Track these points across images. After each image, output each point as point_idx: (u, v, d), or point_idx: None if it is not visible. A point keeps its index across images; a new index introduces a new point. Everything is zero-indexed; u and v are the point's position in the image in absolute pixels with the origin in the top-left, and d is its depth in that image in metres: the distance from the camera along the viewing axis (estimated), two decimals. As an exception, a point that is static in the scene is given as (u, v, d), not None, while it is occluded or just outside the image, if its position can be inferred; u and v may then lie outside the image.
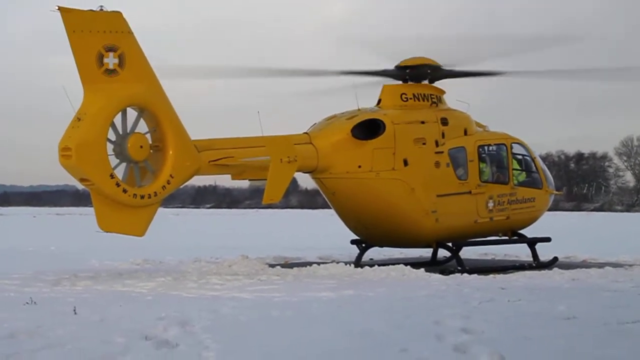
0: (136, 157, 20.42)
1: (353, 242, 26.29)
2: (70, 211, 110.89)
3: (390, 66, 25.74)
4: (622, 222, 71.11)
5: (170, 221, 68.90)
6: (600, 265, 25.09)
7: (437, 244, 25.36)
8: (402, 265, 23.14)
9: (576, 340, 11.79)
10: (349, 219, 25.22)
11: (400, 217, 24.31)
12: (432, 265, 25.96)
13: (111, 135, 20.12)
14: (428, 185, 24.51)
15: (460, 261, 24.55)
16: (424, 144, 24.64)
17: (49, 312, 14.49)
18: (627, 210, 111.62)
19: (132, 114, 20.56)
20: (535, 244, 26.50)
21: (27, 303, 15.60)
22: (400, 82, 25.94)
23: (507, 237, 26.75)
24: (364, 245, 25.71)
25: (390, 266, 23.17)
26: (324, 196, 25.22)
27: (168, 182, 20.85)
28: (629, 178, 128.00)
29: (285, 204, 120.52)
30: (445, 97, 26.21)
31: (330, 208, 25.73)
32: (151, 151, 20.76)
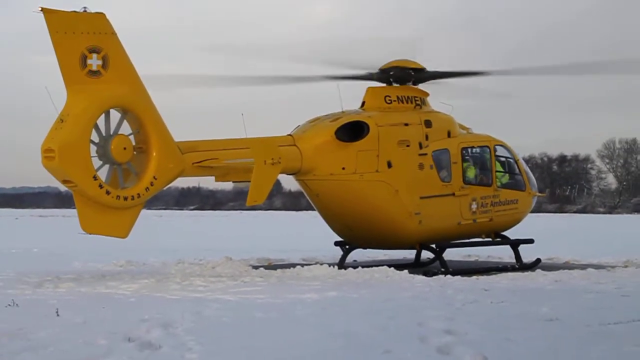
0: (119, 159, 20.36)
1: (337, 243, 26.30)
2: (53, 213, 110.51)
3: (375, 68, 25.77)
4: (605, 224, 71.48)
5: (153, 223, 68.73)
6: (583, 267, 25.19)
7: (421, 245, 25.36)
8: (385, 267, 23.15)
9: (559, 341, 11.85)
10: (333, 220, 25.23)
11: (383, 218, 24.34)
12: (416, 266, 26.01)
13: (94, 137, 20.04)
14: (411, 187, 24.55)
15: (443, 263, 24.60)
16: (407, 146, 24.68)
17: (31, 314, 14.43)
18: (609, 212, 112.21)
19: (115, 115, 20.49)
20: (518, 245, 26.60)
21: (9, 305, 15.52)
22: (384, 85, 25.98)
23: (490, 239, 26.83)
24: (347, 246, 25.71)
25: (374, 268, 23.18)
26: (307, 198, 25.21)
27: (151, 184, 20.79)
28: (611, 180, 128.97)
29: (269, 206, 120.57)
30: (428, 99, 26.27)
31: (314, 210, 25.73)
32: (134, 153, 20.69)
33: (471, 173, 25.91)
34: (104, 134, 20.21)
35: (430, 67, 25.89)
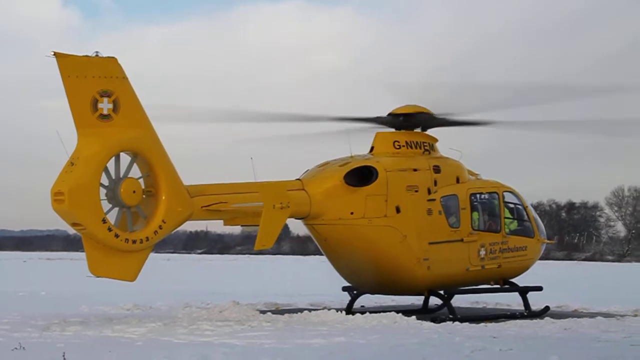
0: (129, 202, 20.45)
1: (344, 289, 26.21)
2: (61, 256, 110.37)
3: (384, 113, 25.87)
4: (614, 272, 71.08)
5: (161, 266, 68.63)
6: (592, 315, 25.04)
7: (429, 291, 25.29)
8: (393, 313, 23.07)
9: (568, 390, 11.76)
10: (341, 265, 25.17)
11: (392, 264, 24.28)
12: (424, 313, 25.86)
13: (104, 180, 20.16)
14: (420, 232, 24.51)
15: (451, 309, 24.47)
16: (416, 191, 24.69)
17: (37, 357, 14.41)
18: (618, 260, 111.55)
19: (125, 158, 20.61)
20: (526, 292, 26.44)
21: (16, 348, 15.49)
22: (393, 130, 26.06)
23: (498, 286, 26.70)
24: (355, 292, 25.63)
25: (382, 313, 23.09)
26: (315, 242, 25.19)
27: (160, 227, 20.84)
28: (619, 228, 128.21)
29: (276, 250, 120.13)
30: (437, 145, 26.33)
31: (322, 254, 25.70)
32: (144, 196, 20.78)
33: (480, 219, 25.88)
34: (113, 177, 20.32)
35: (439, 113, 25.96)
